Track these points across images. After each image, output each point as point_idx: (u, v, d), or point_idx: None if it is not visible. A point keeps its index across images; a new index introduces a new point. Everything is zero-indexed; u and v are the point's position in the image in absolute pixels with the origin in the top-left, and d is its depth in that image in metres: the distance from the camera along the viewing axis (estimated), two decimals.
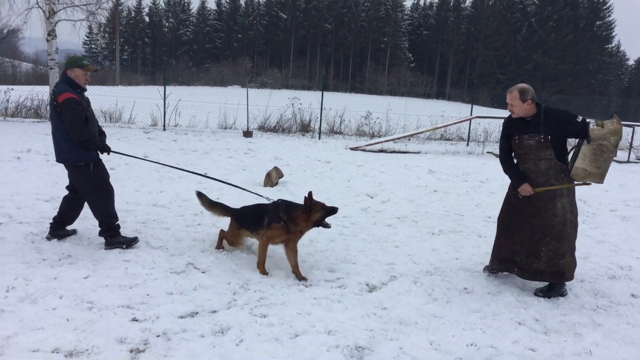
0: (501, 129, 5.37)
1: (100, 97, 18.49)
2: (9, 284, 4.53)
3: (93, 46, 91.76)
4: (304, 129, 18.38)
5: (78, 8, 17.32)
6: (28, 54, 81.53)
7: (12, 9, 17.61)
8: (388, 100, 26.65)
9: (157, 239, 6.03)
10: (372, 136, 18.15)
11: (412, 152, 14.72)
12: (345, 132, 18.83)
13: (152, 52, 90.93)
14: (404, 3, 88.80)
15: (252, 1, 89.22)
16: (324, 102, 17.42)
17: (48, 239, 5.75)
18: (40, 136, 13.21)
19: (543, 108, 5.01)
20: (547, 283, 5.15)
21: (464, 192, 9.72)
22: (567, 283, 5.18)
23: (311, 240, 6.31)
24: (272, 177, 9.47)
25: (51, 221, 5.87)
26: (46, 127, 15.45)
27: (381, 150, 14.66)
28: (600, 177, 4.90)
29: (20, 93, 19.30)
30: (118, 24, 64.15)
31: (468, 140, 17.81)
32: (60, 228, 5.85)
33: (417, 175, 11.11)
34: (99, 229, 5.71)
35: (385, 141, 15.46)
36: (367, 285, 5.07)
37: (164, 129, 16.67)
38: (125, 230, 6.28)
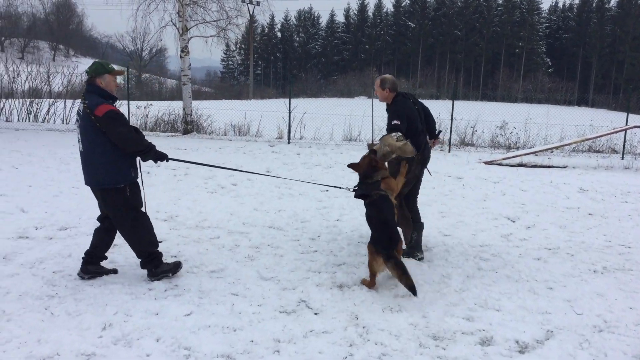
0: None
1: (231, 112, 18.88)
2: (107, 320, 4.15)
3: (230, 62, 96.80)
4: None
5: (210, 25, 17.69)
6: (174, 71, 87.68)
7: (149, 27, 18.38)
8: (525, 109, 24.67)
9: (270, 269, 5.47)
10: (509, 148, 16.64)
11: (557, 167, 13.11)
12: (477, 143, 17.48)
13: (283, 66, 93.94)
14: (541, 5, 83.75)
15: (380, 12, 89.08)
16: (454, 112, 16.28)
17: (80, 276, 5.00)
18: (171, 150, 13.45)
19: (396, 99, 5.94)
20: None
21: (626, 217, 8.20)
22: None
23: (442, 276, 5.42)
24: None
25: (83, 255, 5.10)
26: (179, 141, 15.90)
27: (520, 165, 13.22)
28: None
29: (159, 108, 20.26)
30: (252, 40, 66.77)
31: (623, 153, 15.67)
32: (93, 263, 5.09)
33: (566, 195, 9.69)
34: (140, 260, 5.03)
35: (525, 154, 13.98)
36: (517, 343, 4.05)
37: (289, 142, 16.49)
38: (237, 256, 5.83)
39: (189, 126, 17.99)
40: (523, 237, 6.98)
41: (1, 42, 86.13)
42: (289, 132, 16.81)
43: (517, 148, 16.52)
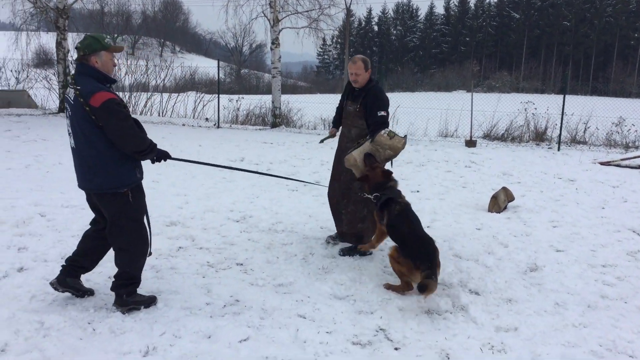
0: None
1: (322, 105, 18.29)
2: (151, 342, 3.58)
3: (325, 57, 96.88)
4: (539, 137, 15.76)
5: (301, 16, 17.16)
6: (271, 66, 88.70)
7: (240, 20, 18.11)
8: None
9: (345, 286, 4.71)
10: (627, 147, 14.79)
11: None
12: (590, 141, 15.72)
13: (379, 60, 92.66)
14: None
15: (482, 3, 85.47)
16: (565, 107, 14.68)
17: (54, 287, 4.14)
18: (257, 144, 13.11)
19: (373, 84, 5.42)
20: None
21: None
22: None
23: (557, 304, 4.42)
24: (500, 201, 7.60)
25: (63, 263, 4.25)
26: (266, 135, 15.52)
27: None
28: (359, 174, 5.07)
29: (250, 101, 20.09)
30: (348, 34, 66.14)
31: None
32: (74, 275, 4.22)
33: None
34: (114, 280, 4.09)
35: None
36: None
37: None
38: (310, 268, 5.11)
39: (277, 119, 17.60)
40: None
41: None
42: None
43: (637, 147, 14.64)
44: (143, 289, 4.43)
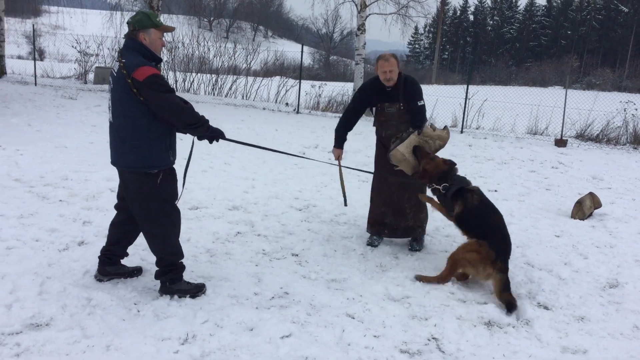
0: (357, 95, 5.50)
1: None
2: (192, 330, 3.50)
3: (417, 46, 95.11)
4: (637, 141, 14.54)
5: (390, 2, 16.75)
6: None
7: (328, 6, 17.92)
8: None
9: (402, 286, 4.44)
10: None
11: None
12: None
13: (472, 51, 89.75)
14: None
15: None
16: None
17: (97, 279, 4.14)
18: (330, 131, 12.91)
19: (404, 76, 5.19)
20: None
21: None
22: None
23: (636, 327, 3.94)
24: (585, 207, 7.00)
25: (99, 254, 4.20)
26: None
27: None
28: (410, 169, 4.95)
29: (333, 88, 19.96)
30: (440, 22, 64.43)
31: None
32: (112, 263, 4.20)
33: None
34: (157, 268, 4.00)
35: None
36: None
37: (462, 131, 14.99)
38: (367, 264, 4.89)
39: None
40: None
41: (210, 22, 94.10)
42: (463, 121, 15.30)
43: None
44: (195, 273, 4.40)
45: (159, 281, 4.03)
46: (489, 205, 4.63)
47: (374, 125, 5.50)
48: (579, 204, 7.04)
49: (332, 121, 15.28)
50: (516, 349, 3.56)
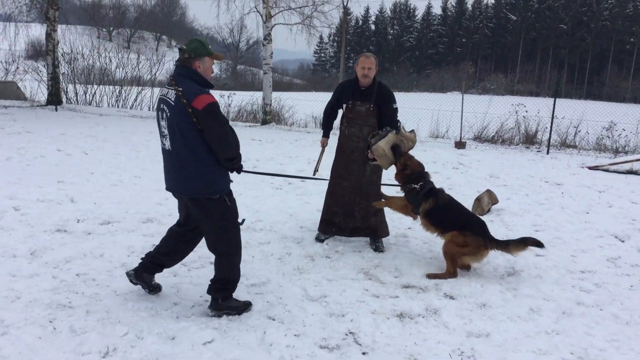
0: (336, 89, 5.94)
1: (315, 103, 18.17)
2: (112, 343, 3.49)
3: (322, 55, 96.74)
4: (529, 140, 15.72)
5: (295, 12, 17.05)
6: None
7: (233, 16, 17.97)
8: (635, 109, 22.15)
9: (319, 286, 4.63)
10: (617, 152, 14.77)
11: None
12: (580, 145, 15.68)
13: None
14: None
15: (479, 4, 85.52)
16: (555, 110, 14.63)
17: (128, 275, 4.19)
18: (246, 141, 12.87)
19: (379, 81, 5.59)
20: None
21: None
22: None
23: (531, 310, 4.35)
24: (483, 203, 7.54)
25: (144, 257, 4.26)
26: (256, 132, 15.39)
27: (630, 172, 11.53)
28: (387, 164, 5.38)
29: (242, 98, 19.97)
30: (344, 32, 66.04)
31: None
32: (151, 271, 4.24)
33: None
34: (211, 283, 4.06)
35: (637, 160, 12.23)
36: None
37: None
38: (286, 268, 5.04)
39: (267, 117, 17.49)
40: (635, 262, 5.69)
41: (110, 32, 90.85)
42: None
43: (627, 152, 14.63)
44: (111, 288, 4.36)
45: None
46: (456, 201, 5.32)
47: (340, 121, 5.88)
48: (478, 200, 7.56)
49: (243, 131, 15.32)
50: (426, 336, 3.84)
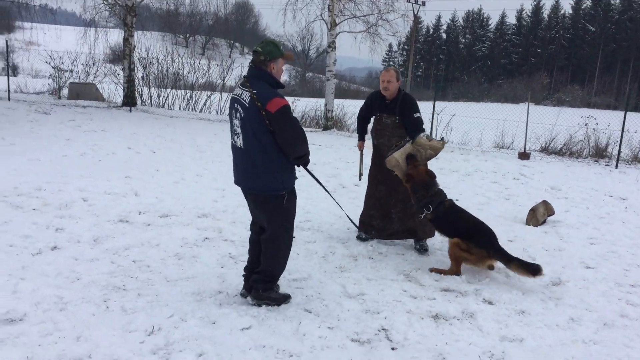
0: (366, 100, 6.24)
1: None
2: (157, 323, 3.75)
3: (391, 63, 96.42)
4: (598, 154, 15.16)
5: (359, 20, 17.23)
6: (337, 70, 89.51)
7: (299, 24, 18.37)
8: None
9: (359, 284, 4.75)
10: None
11: None
12: None
13: (445, 68, 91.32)
14: None
15: (556, 13, 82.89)
16: (629, 124, 14.04)
17: (243, 295, 4.35)
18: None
19: (403, 93, 5.80)
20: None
21: None
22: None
23: (571, 319, 4.29)
24: (539, 214, 7.40)
25: (243, 273, 4.46)
26: (316, 137, 15.65)
27: None
28: (403, 175, 5.48)
29: (306, 104, 20.34)
30: (414, 40, 65.68)
31: None
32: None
33: None
34: (255, 273, 4.23)
35: None
36: None
37: None
38: (328, 266, 5.19)
39: (329, 122, 17.75)
40: None
41: (186, 38, 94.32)
42: (430, 134, 15.78)
43: None
44: (163, 274, 4.65)
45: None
46: (460, 211, 5.40)
47: (371, 132, 6.17)
48: (533, 211, 7.43)
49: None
50: (458, 337, 3.88)
